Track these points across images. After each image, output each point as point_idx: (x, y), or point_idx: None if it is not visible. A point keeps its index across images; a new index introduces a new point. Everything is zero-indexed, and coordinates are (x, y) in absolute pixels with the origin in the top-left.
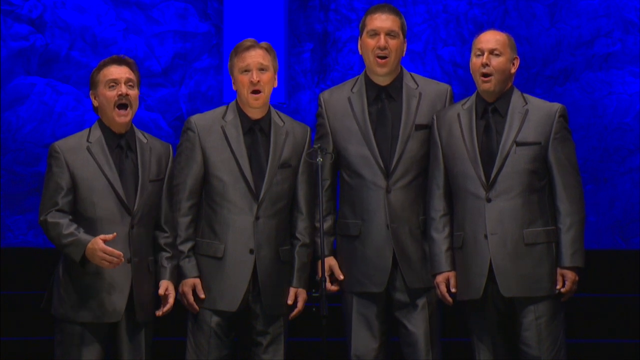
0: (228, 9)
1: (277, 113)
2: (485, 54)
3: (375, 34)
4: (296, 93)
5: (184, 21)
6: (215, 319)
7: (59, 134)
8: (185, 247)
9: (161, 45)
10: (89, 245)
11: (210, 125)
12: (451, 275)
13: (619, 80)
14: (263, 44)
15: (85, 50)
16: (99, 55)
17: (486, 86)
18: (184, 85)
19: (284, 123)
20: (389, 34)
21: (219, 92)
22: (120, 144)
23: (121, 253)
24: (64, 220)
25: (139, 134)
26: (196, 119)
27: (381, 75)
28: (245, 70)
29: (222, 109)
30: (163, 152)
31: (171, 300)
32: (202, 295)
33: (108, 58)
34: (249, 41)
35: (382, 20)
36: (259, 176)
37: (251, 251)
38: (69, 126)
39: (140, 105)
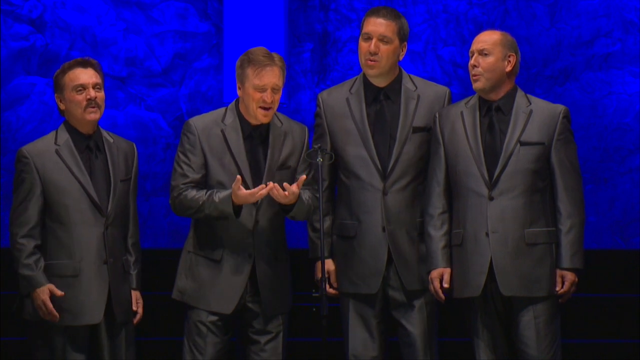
0: (228, 9)
1: (275, 114)
2: (475, 55)
3: (368, 38)
4: (296, 93)
5: (184, 21)
6: (211, 318)
7: None
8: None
9: (161, 45)
10: (38, 289)
11: (210, 127)
12: (446, 271)
13: (619, 80)
14: (278, 60)
15: (85, 50)
16: (99, 55)
17: (475, 85)
18: (184, 85)
19: (282, 124)
20: (381, 39)
21: (219, 92)
22: (89, 145)
23: (57, 315)
24: (29, 247)
25: (105, 133)
26: (196, 122)
27: (370, 76)
28: (261, 89)
29: (220, 111)
30: (129, 151)
31: (141, 310)
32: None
33: (72, 61)
34: (265, 56)
35: (375, 25)
36: (258, 179)
37: (250, 255)
38: None
39: (140, 105)
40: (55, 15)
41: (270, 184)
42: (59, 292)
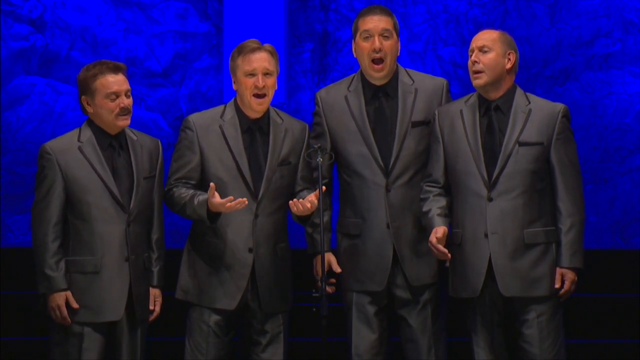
0: (228, 9)
1: (275, 111)
2: (475, 51)
3: (369, 35)
4: (296, 93)
5: (184, 21)
6: (213, 318)
7: (59, 133)
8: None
9: (161, 45)
10: (56, 294)
11: (208, 124)
12: (440, 229)
13: (619, 80)
14: (267, 46)
15: (85, 50)
16: (99, 55)
17: (476, 82)
18: (184, 85)
19: (283, 121)
20: (383, 34)
21: (219, 92)
22: (112, 143)
23: (69, 321)
24: (53, 246)
25: (128, 131)
26: (194, 118)
27: (377, 79)
28: (251, 74)
29: (220, 108)
30: (153, 147)
31: (158, 308)
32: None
33: (101, 64)
34: (253, 42)
35: (374, 22)
36: (258, 175)
37: (250, 250)
38: (69, 126)
39: (140, 105)
40: (55, 15)
41: (244, 200)
42: (74, 304)
